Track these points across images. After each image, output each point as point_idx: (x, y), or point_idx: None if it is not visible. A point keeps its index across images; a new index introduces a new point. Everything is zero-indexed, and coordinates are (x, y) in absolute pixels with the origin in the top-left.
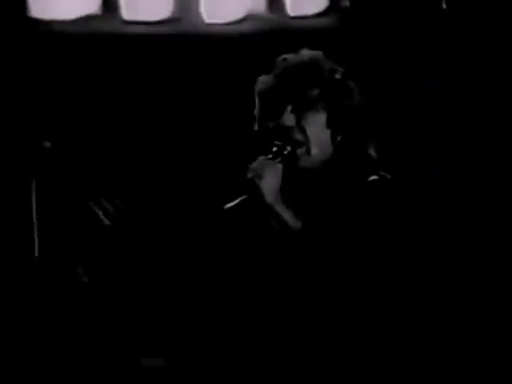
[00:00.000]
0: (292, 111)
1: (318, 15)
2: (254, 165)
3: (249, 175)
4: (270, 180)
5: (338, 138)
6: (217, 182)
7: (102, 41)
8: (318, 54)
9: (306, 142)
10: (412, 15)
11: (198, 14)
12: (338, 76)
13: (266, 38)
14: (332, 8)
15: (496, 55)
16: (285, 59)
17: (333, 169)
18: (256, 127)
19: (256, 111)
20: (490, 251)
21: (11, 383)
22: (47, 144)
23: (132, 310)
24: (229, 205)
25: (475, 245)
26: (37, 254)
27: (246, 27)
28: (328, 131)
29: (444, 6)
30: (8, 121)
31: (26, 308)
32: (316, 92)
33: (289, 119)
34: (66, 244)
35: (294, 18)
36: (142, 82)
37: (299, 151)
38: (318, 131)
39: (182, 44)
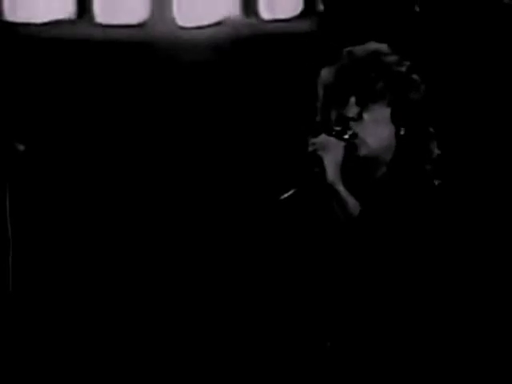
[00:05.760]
0: (356, 103)
1: (293, 19)
2: (317, 140)
3: (311, 148)
4: (332, 156)
5: (402, 133)
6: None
7: (75, 44)
8: (383, 46)
9: (362, 136)
10: (386, 18)
11: (172, 18)
12: (402, 69)
13: (241, 42)
14: (307, 11)
15: (471, 56)
16: (350, 51)
17: (395, 163)
18: (318, 118)
19: (319, 102)
20: None
21: None
22: (21, 147)
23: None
24: (284, 195)
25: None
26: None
27: (220, 31)
28: (391, 125)
29: (417, 8)
30: None
31: None
32: (380, 85)
33: (351, 110)
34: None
35: (268, 21)
36: (116, 85)
37: (357, 141)
38: (378, 124)
39: (155, 47)
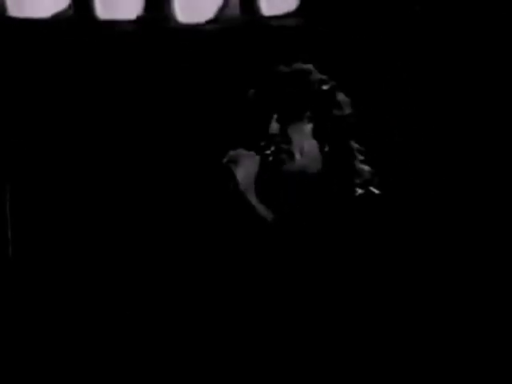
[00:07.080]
0: (277, 120)
1: (291, 14)
2: (233, 152)
3: (225, 159)
4: (244, 167)
5: (326, 149)
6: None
7: (75, 39)
8: (309, 66)
9: (290, 150)
10: (385, 16)
11: (172, 14)
12: (325, 87)
13: (240, 38)
14: (304, 7)
15: (470, 55)
16: (275, 70)
17: (322, 177)
18: (244, 132)
19: (245, 118)
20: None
21: None
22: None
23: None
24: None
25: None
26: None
27: (219, 26)
28: (315, 141)
29: (417, 7)
30: None
31: None
32: (302, 102)
33: (273, 127)
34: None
35: (267, 17)
36: (115, 80)
37: (283, 156)
38: (303, 140)
39: (155, 43)
